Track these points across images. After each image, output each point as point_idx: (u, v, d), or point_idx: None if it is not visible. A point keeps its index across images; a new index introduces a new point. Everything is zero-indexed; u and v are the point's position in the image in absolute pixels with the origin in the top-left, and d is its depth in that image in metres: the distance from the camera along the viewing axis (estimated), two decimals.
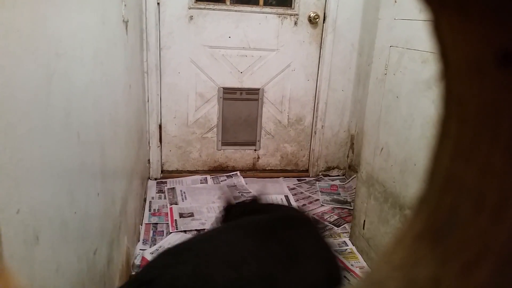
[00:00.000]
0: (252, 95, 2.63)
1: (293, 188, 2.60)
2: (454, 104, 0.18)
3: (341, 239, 2.04)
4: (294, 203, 2.38)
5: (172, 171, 2.67)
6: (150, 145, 2.59)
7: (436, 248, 0.18)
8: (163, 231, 2.00)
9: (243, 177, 2.67)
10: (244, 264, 0.74)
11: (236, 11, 2.46)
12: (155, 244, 1.88)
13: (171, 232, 1.98)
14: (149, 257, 1.73)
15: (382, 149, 1.72)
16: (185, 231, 2.00)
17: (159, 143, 2.61)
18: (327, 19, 2.54)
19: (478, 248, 0.16)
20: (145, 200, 2.29)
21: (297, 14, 2.53)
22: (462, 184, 0.17)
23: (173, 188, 2.48)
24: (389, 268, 0.20)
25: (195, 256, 0.74)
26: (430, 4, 0.19)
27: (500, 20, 0.15)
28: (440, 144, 0.19)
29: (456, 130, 0.18)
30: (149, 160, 2.60)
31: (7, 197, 0.50)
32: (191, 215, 2.16)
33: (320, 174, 2.84)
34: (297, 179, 2.76)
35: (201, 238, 0.89)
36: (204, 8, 2.43)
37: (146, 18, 2.35)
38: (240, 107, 2.65)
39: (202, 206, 2.27)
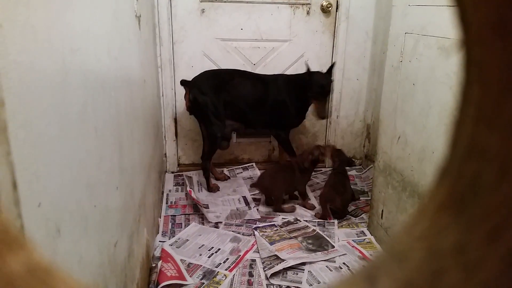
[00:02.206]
0: None
1: (309, 179, 2.59)
2: (476, 69, 0.17)
3: (359, 229, 2.03)
4: (310, 194, 2.37)
5: (188, 164, 2.69)
6: (166, 139, 2.61)
7: (460, 217, 0.18)
8: (181, 223, 2.02)
9: (259, 169, 2.68)
10: None
11: (247, 2, 2.45)
12: (174, 236, 1.90)
13: (190, 217, 2.00)
14: (168, 249, 1.75)
15: (399, 137, 1.70)
16: (202, 223, 2.02)
17: (174, 137, 2.63)
18: (340, 8, 2.50)
19: (504, 214, 0.16)
20: (162, 193, 2.32)
21: (309, 4, 2.50)
22: (485, 150, 0.17)
23: (191, 177, 2.51)
24: (411, 239, 0.20)
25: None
26: None
27: None
28: (462, 111, 0.19)
29: (478, 95, 0.17)
30: (165, 154, 2.62)
31: (28, 191, 0.51)
32: (206, 207, 2.18)
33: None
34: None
35: None
36: (216, 0, 2.42)
37: (158, 12, 2.35)
38: None
39: (217, 198, 2.29)
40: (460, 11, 0.17)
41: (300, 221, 2.07)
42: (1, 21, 0.45)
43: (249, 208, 2.20)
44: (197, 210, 2.13)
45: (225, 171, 2.63)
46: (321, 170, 2.74)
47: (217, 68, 2.46)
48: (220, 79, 2.28)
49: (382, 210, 1.86)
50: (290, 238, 1.91)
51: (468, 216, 0.17)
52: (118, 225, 1.05)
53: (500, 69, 0.16)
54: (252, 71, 2.45)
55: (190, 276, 1.62)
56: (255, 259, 1.76)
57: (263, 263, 1.72)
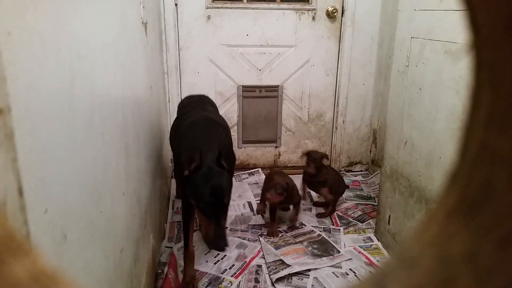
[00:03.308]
0: (272, 92, 2.62)
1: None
2: (486, 71, 0.17)
3: (366, 235, 2.02)
4: (317, 199, 2.36)
5: None
6: None
7: (470, 223, 0.17)
8: None
9: (265, 175, 2.67)
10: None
11: (253, 8, 2.46)
12: (180, 241, 1.90)
13: (195, 230, 2.00)
14: (177, 255, 1.75)
15: (406, 142, 1.69)
16: None
17: None
18: (345, 13, 2.51)
19: None
20: (168, 199, 2.32)
21: (314, 9, 2.51)
22: (497, 154, 0.16)
23: None
24: (421, 245, 0.19)
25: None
26: None
27: None
28: (472, 115, 0.19)
29: (489, 98, 0.17)
30: (171, 159, 2.63)
31: (35, 197, 0.51)
32: None
33: (343, 169, 2.81)
34: None
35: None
36: (221, 7, 2.44)
37: (164, 19, 2.37)
38: (259, 104, 2.64)
39: None
40: (470, 12, 0.17)
41: (306, 226, 2.06)
42: (10, 28, 0.46)
43: (254, 213, 2.19)
44: None
45: None
46: None
47: (200, 94, 2.12)
48: (185, 105, 1.94)
49: (389, 216, 1.85)
50: (296, 243, 1.90)
51: (479, 222, 0.17)
52: (124, 231, 1.05)
53: (511, 70, 0.16)
54: (214, 113, 1.87)
55: None
56: (261, 265, 1.75)
57: (268, 267, 1.71)
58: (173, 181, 2.56)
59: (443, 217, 0.19)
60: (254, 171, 2.70)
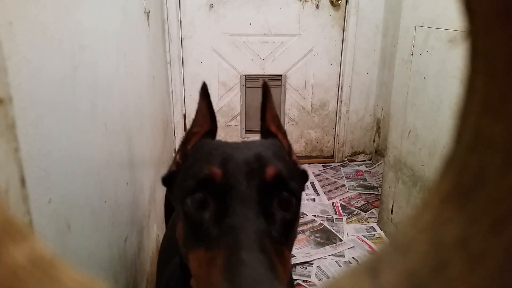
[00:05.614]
0: (275, 82, 2.61)
1: (319, 174, 2.59)
2: (481, 58, 0.17)
3: (369, 224, 2.03)
4: (320, 189, 2.37)
5: None
6: (176, 135, 2.62)
7: (464, 208, 0.18)
8: None
9: None
10: None
11: None
12: None
13: None
14: None
15: (409, 132, 1.69)
16: None
17: (184, 132, 2.64)
18: (349, 1, 2.48)
19: (508, 206, 0.16)
20: None
21: None
22: (491, 140, 0.17)
23: None
24: (415, 231, 0.20)
25: None
26: None
27: None
28: (467, 101, 0.19)
29: (483, 85, 0.17)
30: (175, 149, 2.64)
31: (39, 187, 0.51)
32: None
33: (346, 159, 2.81)
34: (322, 165, 2.74)
35: None
36: None
37: (167, 8, 2.36)
38: None
39: None
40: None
41: (307, 215, 2.07)
42: (11, 18, 0.46)
43: None
44: None
45: None
46: (330, 165, 2.73)
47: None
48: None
49: (392, 205, 1.85)
50: (298, 233, 1.91)
51: (472, 208, 0.17)
52: (128, 220, 1.06)
53: (505, 59, 0.16)
54: None
55: None
56: None
57: None
58: None
59: (437, 203, 0.19)
60: None
